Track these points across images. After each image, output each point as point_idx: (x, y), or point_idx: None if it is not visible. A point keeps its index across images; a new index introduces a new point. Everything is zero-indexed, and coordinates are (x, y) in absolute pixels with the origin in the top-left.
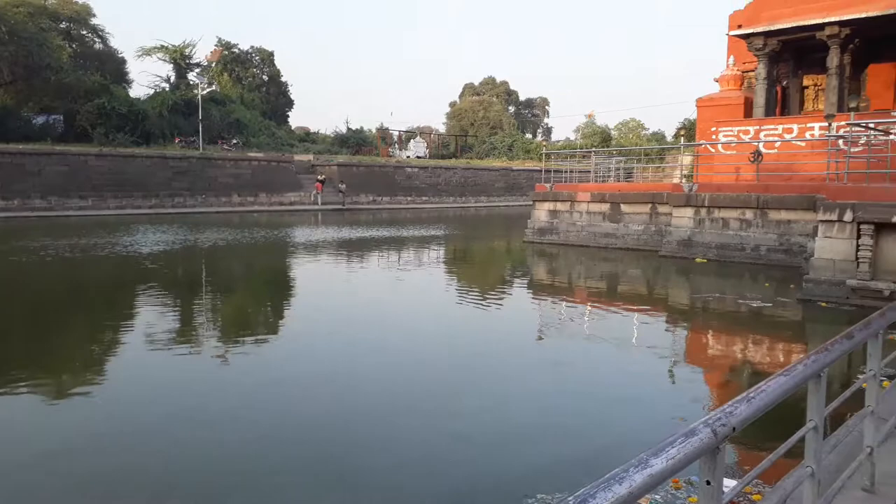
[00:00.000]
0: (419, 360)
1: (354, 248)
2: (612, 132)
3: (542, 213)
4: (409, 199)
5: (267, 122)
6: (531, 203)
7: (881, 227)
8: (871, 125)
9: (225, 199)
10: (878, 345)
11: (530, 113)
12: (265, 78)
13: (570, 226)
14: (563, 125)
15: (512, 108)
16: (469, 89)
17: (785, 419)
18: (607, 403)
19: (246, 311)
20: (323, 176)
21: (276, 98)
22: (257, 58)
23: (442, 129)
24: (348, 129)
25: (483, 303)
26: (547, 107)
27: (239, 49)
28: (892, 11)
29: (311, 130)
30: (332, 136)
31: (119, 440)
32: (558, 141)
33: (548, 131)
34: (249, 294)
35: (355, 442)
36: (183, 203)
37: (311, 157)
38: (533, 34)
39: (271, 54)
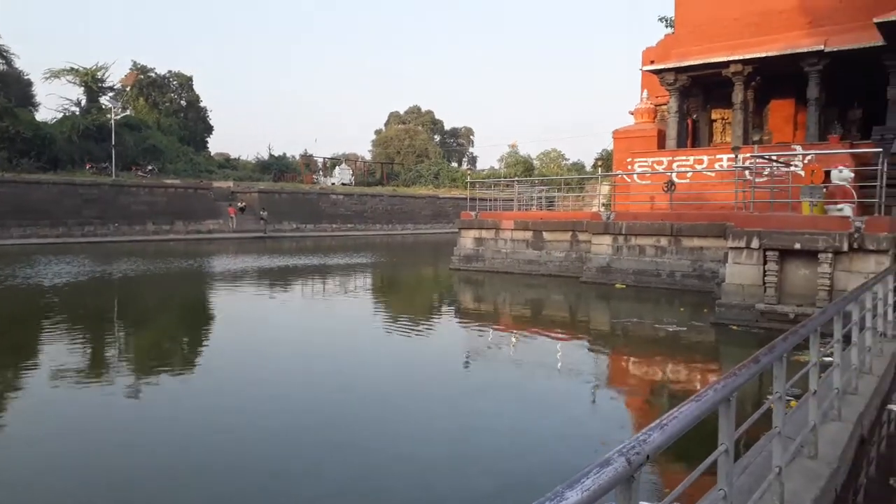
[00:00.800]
0: (342, 389)
1: (277, 278)
2: (535, 162)
3: (467, 240)
4: (334, 226)
5: (185, 148)
6: (457, 230)
7: (785, 254)
8: (774, 157)
9: (139, 228)
10: (782, 368)
11: (455, 142)
12: (183, 103)
13: (495, 253)
14: (487, 154)
15: (437, 137)
16: (395, 117)
17: (707, 440)
18: (531, 430)
19: (155, 347)
20: (243, 203)
21: (195, 123)
22: (175, 82)
23: (368, 156)
24: (271, 155)
25: (410, 331)
26: (471, 136)
27: (156, 73)
28: (788, 52)
29: (232, 156)
30: (254, 162)
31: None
32: (483, 169)
33: (473, 160)
34: (160, 329)
35: (274, 473)
36: (94, 232)
37: (231, 183)
38: (457, 64)
39: (190, 79)
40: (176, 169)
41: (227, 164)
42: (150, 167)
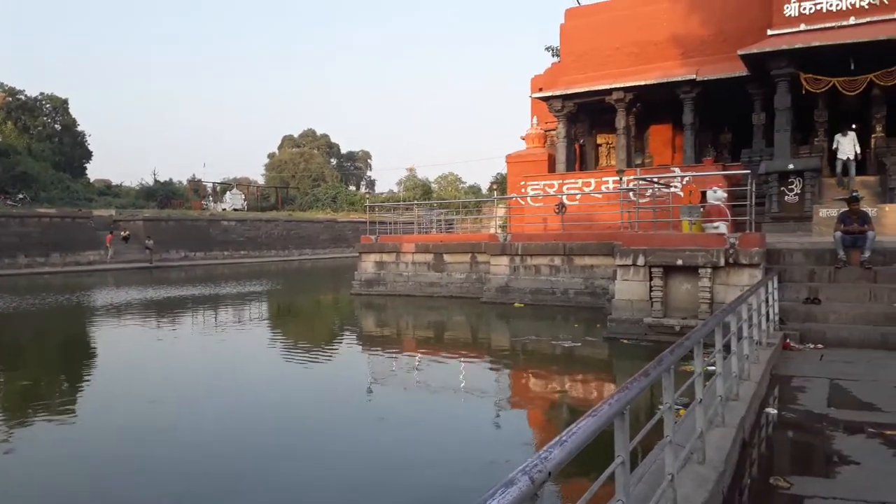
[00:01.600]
0: (234, 423)
1: (164, 310)
2: (433, 185)
3: (368, 264)
4: (226, 253)
5: (60, 175)
6: (357, 255)
7: (669, 270)
8: (655, 179)
9: (9, 261)
10: (670, 379)
11: (353, 166)
12: (58, 127)
13: (396, 276)
14: (386, 178)
15: (334, 161)
16: (288, 141)
17: (607, 451)
18: (435, 453)
19: (24, 393)
20: (126, 232)
21: (72, 149)
22: (48, 105)
23: (261, 180)
24: (156, 181)
25: (309, 359)
26: (369, 160)
27: (26, 96)
28: (664, 80)
29: (114, 183)
30: (138, 188)
31: None
32: (382, 193)
33: (371, 184)
34: (29, 372)
35: None
36: None
37: (113, 211)
38: (353, 88)
39: (65, 102)
40: (51, 197)
41: (109, 192)
42: (20, 196)
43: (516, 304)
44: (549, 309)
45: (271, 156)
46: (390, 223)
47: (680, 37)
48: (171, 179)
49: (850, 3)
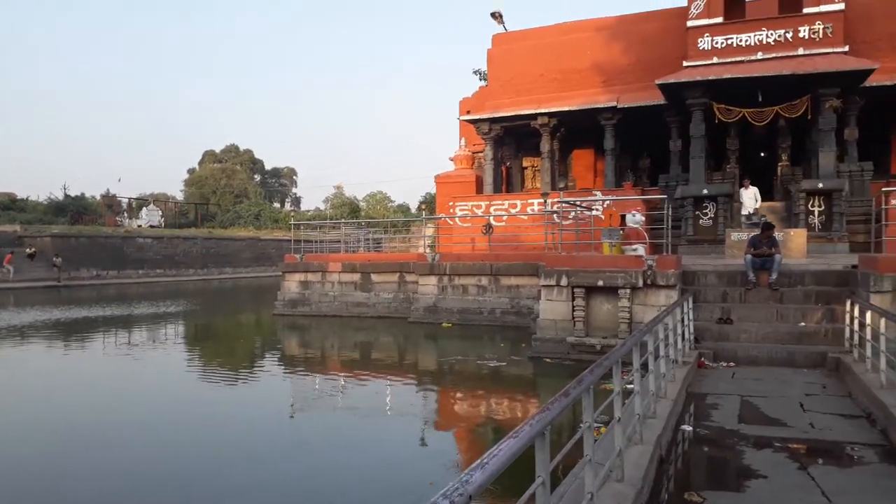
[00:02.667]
0: (149, 452)
1: (70, 332)
2: (361, 203)
3: (292, 283)
4: (141, 272)
5: None
6: (281, 274)
7: (590, 290)
8: (578, 202)
9: None
10: (590, 398)
11: (277, 182)
12: None
13: (321, 296)
14: (312, 195)
15: (258, 177)
16: (210, 156)
17: (530, 471)
18: (360, 478)
19: None
20: (32, 249)
21: None
22: None
23: (180, 196)
24: (66, 195)
25: (229, 383)
26: (295, 177)
27: None
28: (587, 107)
29: (19, 197)
30: (46, 203)
31: None
32: (308, 211)
33: (296, 201)
34: None
35: None
36: None
37: (18, 227)
38: (278, 104)
39: None
40: None
41: (13, 206)
42: None
43: (444, 324)
44: (476, 328)
45: (191, 171)
46: (316, 242)
47: (602, 65)
48: (83, 194)
49: (758, 40)
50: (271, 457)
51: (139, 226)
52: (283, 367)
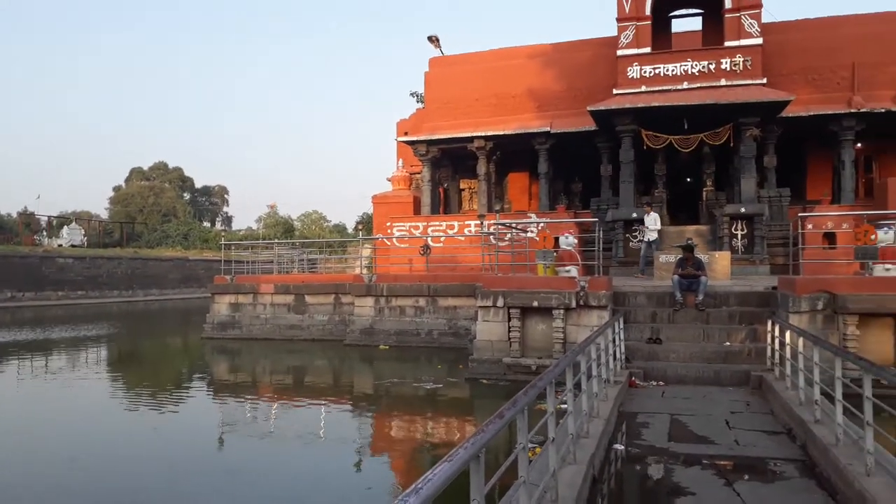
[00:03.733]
0: (71, 482)
1: None
2: (296, 223)
3: (222, 306)
4: (60, 293)
5: None
6: (210, 296)
7: (526, 311)
8: (513, 224)
9: None
10: (524, 419)
11: (208, 201)
12: None
13: (253, 319)
14: (244, 215)
15: (187, 195)
16: (137, 174)
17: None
18: None
19: None
20: None
21: None
22: None
23: (105, 214)
24: None
25: (154, 409)
26: (226, 195)
27: None
28: (521, 131)
29: None
30: None
31: None
32: (240, 230)
33: (228, 220)
34: None
35: None
36: None
37: None
38: (209, 120)
39: None
40: None
41: None
42: None
43: (381, 346)
44: (413, 350)
45: (117, 189)
46: (248, 262)
47: (536, 91)
48: None
49: (684, 70)
50: (199, 488)
51: (60, 245)
52: (211, 393)
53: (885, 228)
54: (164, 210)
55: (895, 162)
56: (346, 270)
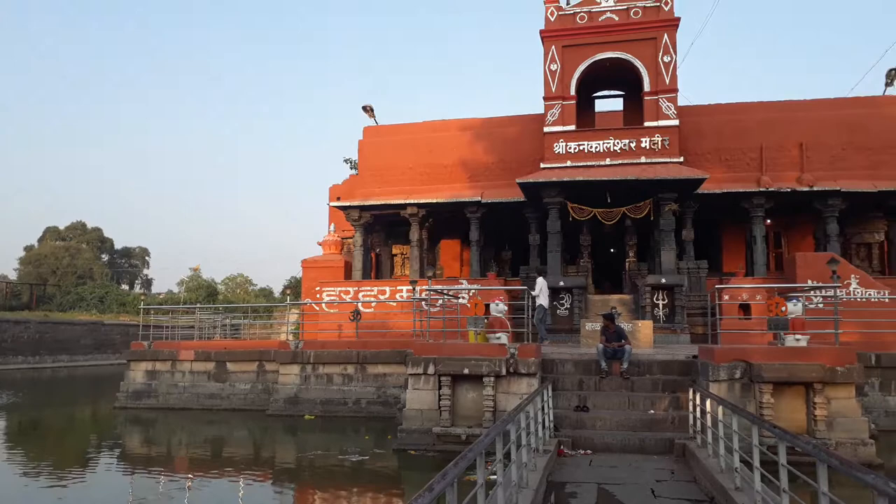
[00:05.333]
0: None
1: None
2: (220, 286)
3: (138, 373)
4: None
5: None
6: (126, 362)
7: (456, 379)
8: (445, 290)
9: None
10: (454, 493)
11: (128, 263)
12: None
13: (170, 387)
14: (166, 277)
15: (106, 257)
16: (52, 233)
17: None
18: None
19: None
20: None
21: None
22: None
23: (13, 275)
24: None
25: (57, 484)
26: (147, 257)
27: None
28: (453, 200)
29: None
30: None
31: None
32: (160, 293)
33: (148, 283)
34: None
35: None
36: None
37: None
38: (132, 180)
39: None
40: None
41: None
42: None
43: (306, 416)
44: (340, 420)
45: (29, 248)
46: (167, 327)
47: (468, 162)
48: None
49: (607, 147)
50: None
51: None
52: (121, 467)
53: (795, 301)
54: (80, 272)
55: (802, 238)
56: (271, 336)
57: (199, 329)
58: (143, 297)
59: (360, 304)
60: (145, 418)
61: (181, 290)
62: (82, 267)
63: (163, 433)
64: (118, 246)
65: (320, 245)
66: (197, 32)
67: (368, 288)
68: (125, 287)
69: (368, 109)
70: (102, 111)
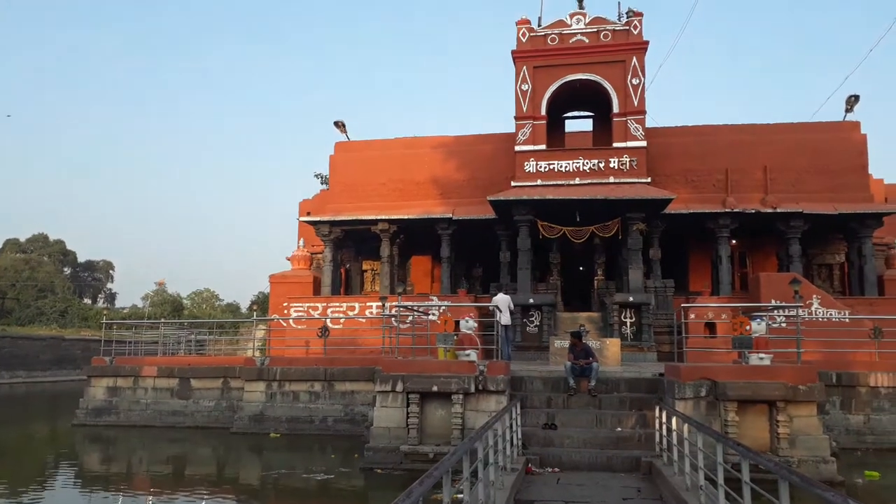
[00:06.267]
0: None
1: None
2: (185, 301)
3: (98, 389)
4: None
5: None
6: (86, 378)
7: (425, 396)
8: (415, 307)
9: None
10: None
11: (91, 276)
12: None
13: (132, 404)
14: (130, 292)
15: (68, 270)
16: (12, 245)
17: None
18: None
19: None
20: None
21: None
22: None
23: None
24: None
25: None
26: (111, 271)
27: None
28: (424, 216)
29: None
30: None
31: None
32: (124, 308)
33: (112, 297)
34: None
35: None
36: None
37: None
38: (97, 193)
39: None
40: None
41: None
42: None
43: (271, 434)
44: (306, 438)
45: None
46: (130, 343)
47: (439, 179)
48: None
49: (576, 167)
50: None
51: None
52: (79, 487)
53: (759, 320)
54: (41, 285)
55: (766, 258)
56: (237, 353)
57: (163, 345)
58: (105, 312)
59: (328, 321)
60: (105, 436)
61: (146, 304)
62: (43, 280)
63: (123, 451)
64: (81, 259)
65: (289, 260)
66: (159, 44)
67: (337, 304)
68: (88, 301)
69: (340, 125)
70: (68, 122)
